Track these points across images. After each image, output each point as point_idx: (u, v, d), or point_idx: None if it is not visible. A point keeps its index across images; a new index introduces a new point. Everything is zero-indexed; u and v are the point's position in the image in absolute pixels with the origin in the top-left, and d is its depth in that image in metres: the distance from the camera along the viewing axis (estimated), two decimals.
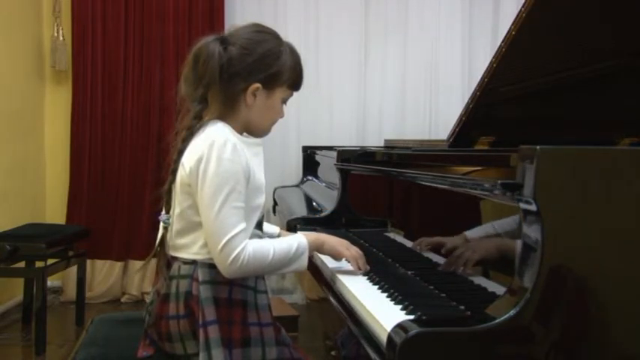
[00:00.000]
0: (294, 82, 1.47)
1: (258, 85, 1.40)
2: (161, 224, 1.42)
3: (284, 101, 1.48)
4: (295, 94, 1.50)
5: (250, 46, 1.39)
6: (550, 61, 1.58)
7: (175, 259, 1.40)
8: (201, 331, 1.31)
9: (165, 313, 1.37)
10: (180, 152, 1.38)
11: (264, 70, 1.40)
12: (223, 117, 1.41)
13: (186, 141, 1.38)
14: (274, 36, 1.45)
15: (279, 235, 1.69)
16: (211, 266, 1.34)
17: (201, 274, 1.35)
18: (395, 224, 1.82)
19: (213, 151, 1.31)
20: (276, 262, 1.36)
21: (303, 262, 1.41)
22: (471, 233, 1.31)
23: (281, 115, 1.50)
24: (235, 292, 1.36)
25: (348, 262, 1.53)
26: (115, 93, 3.62)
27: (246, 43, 1.39)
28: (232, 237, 1.30)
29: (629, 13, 1.47)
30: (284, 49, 1.43)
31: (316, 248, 1.48)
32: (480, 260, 1.24)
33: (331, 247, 1.50)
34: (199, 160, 1.32)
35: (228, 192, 1.30)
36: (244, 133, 1.46)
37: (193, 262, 1.37)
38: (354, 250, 1.52)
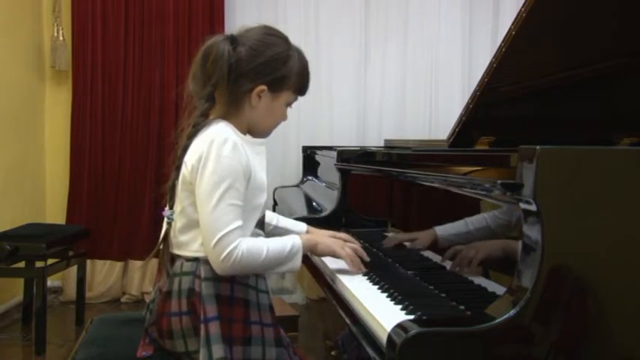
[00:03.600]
0: (300, 87, 1.48)
1: (263, 87, 1.41)
2: (165, 220, 1.43)
3: (288, 105, 1.49)
4: None
5: (259, 48, 1.40)
6: (550, 61, 1.58)
7: (178, 257, 1.40)
8: (202, 327, 1.31)
9: (167, 310, 1.38)
10: (185, 148, 1.39)
11: (271, 73, 1.41)
12: (228, 116, 1.42)
13: (191, 138, 1.39)
14: (284, 40, 1.45)
15: (307, 232, 1.70)
16: None
17: (203, 271, 1.35)
18: (395, 224, 1.82)
19: (212, 149, 1.32)
20: (269, 261, 1.36)
21: (297, 262, 1.41)
22: (446, 229, 1.31)
23: (284, 118, 1.51)
24: (237, 290, 1.37)
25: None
26: (115, 93, 3.61)
27: (255, 45, 1.40)
28: (226, 233, 1.30)
29: (629, 12, 1.47)
30: (292, 53, 1.44)
31: (310, 249, 1.48)
32: (483, 260, 1.24)
33: (325, 247, 1.50)
34: (199, 158, 1.33)
35: (225, 189, 1.31)
36: (247, 134, 1.47)
37: (196, 260, 1.37)
38: (348, 249, 1.51)
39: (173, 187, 1.41)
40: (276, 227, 1.70)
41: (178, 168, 1.40)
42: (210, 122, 1.39)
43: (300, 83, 1.47)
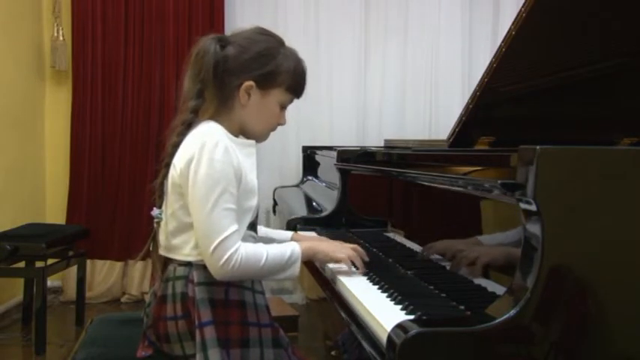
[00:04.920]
0: (292, 86, 1.45)
1: (251, 83, 1.40)
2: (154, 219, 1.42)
3: (283, 106, 1.47)
4: None
5: (247, 45, 1.40)
6: (550, 61, 1.58)
7: (171, 260, 1.40)
8: (197, 332, 1.31)
9: (162, 315, 1.37)
10: (175, 146, 1.38)
11: (258, 68, 1.40)
12: (219, 115, 1.41)
13: (181, 135, 1.38)
14: (275, 39, 1.45)
15: (291, 239, 1.65)
16: (206, 268, 1.33)
17: (196, 276, 1.35)
18: (395, 224, 1.82)
19: (204, 153, 1.30)
20: (268, 268, 1.35)
21: (295, 270, 1.39)
22: (481, 239, 1.31)
23: (281, 120, 1.48)
24: (232, 292, 1.36)
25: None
26: (114, 93, 3.62)
27: (244, 42, 1.41)
28: (225, 238, 1.29)
29: (629, 13, 1.47)
30: (283, 51, 1.43)
31: (309, 257, 1.46)
32: (485, 265, 1.24)
33: (325, 256, 1.48)
34: (190, 161, 1.31)
35: (219, 193, 1.29)
36: (240, 136, 1.45)
37: (188, 264, 1.36)
38: (348, 252, 1.49)
39: (162, 185, 1.40)
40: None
41: (167, 166, 1.39)
42: (199, 122, 1.39)
43: (291, 82, 1.44)
